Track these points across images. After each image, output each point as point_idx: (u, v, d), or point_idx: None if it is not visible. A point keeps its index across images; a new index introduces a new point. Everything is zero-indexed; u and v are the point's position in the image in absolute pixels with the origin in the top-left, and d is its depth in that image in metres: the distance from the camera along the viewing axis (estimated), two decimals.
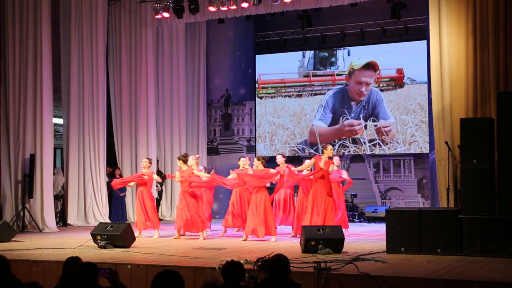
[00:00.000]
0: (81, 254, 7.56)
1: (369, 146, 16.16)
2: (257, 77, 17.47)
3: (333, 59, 16.85)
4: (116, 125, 15.70)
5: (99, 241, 9.33)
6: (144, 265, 7.46)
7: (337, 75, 16.73)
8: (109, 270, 4.86)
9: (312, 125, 16.71)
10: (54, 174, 13.76)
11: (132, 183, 12.31)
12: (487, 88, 10.48)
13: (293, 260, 6.72)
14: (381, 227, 10.99)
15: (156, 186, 15.32)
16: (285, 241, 10.50)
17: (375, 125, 16.16)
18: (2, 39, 13.26)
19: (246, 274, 6.29)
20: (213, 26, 17.23)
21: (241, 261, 5.74)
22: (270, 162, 12.53)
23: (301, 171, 11.45)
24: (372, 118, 16.23)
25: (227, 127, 17.72)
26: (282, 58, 17.32)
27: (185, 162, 11.36)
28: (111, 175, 15.01)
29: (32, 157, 13.06)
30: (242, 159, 11.88)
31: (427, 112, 15.29)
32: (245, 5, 13.84)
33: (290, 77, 17.23)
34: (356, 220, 15.02)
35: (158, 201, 15.79)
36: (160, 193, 16.07)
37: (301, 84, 17.07)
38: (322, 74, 16.94)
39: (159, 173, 15.36)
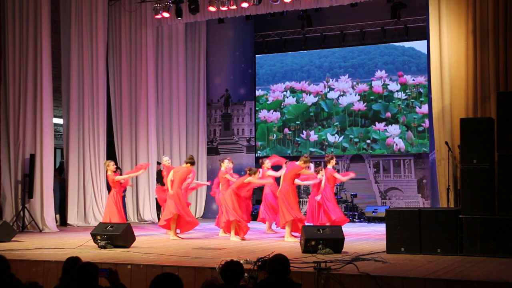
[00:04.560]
0: (81, 254, 7.56)
1: (369, 146, 16.16)
2: (257, 77, 17.47)
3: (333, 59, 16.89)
4: (116, 125, 15.69)
5: (99, 241, 9.33)
6: (144, 265, 7.46)
7: (337, 75, 16.75)
8: (108, 271, 4.86)
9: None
10: None
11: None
12: (487, 88, 10.48)
13: (293, 260, 6.72)
14: (381, 227, 10.98)
15: None
16: (285, 241, 10.48)
17: (375, 125, 16.16)
18: (2, 39, 13.25)
19: (246, 274, 6.29)
20: (213, 26, 17.22)
21: (241, 261, 5.74)
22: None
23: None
24: (371, 118, 16.22)
25: (227, 127, 17.70)
26: (282, 58, 17.33)
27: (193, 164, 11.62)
28: None
29: (32, 157, 13.05)
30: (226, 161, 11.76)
31: (427, 112, 15.27)
32: (245, 5, 13.84)
33: (290, 77, 17.23)
34: (356, 220, 15.01)
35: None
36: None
37: (301, 84, 17.07)
38: (322, 75, 16.94)
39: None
